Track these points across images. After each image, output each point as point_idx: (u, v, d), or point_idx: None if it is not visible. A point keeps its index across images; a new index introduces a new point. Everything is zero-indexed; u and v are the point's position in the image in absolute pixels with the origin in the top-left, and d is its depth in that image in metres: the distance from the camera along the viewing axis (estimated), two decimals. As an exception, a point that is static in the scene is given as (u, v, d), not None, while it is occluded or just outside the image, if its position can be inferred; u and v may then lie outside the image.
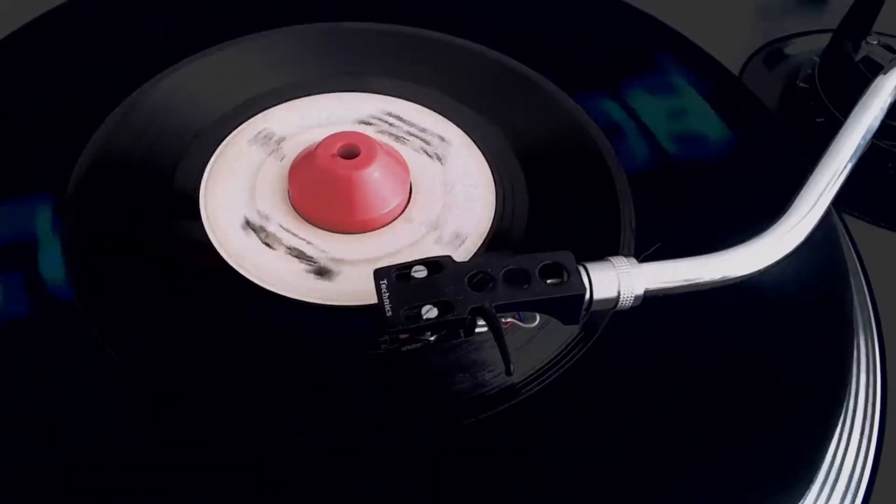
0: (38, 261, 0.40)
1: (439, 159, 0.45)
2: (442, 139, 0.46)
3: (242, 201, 0.42)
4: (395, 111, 0.47)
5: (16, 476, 0.33)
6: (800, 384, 0.39)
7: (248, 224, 0.41)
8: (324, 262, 0.40)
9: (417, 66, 0.49)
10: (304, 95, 0.47)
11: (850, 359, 0.41)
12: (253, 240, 0.41)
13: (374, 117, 0.46)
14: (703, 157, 0.47)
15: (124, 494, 0.33)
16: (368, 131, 0.45)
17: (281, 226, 0.41)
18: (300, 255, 0.40)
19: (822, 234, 0.42)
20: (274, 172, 0.43)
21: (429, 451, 0.35)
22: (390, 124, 0.46)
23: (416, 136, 0.46)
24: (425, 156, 0.45)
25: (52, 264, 0.40)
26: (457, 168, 0.44)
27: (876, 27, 0.52)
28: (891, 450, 0.41)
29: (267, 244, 0.41)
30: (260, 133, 0.45)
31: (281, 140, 0.45)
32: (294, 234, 0.41)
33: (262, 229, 0.41)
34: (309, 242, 0.41)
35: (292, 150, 0.44)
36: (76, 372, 0.36)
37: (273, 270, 0.39)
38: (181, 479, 0.34)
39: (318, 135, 0.43)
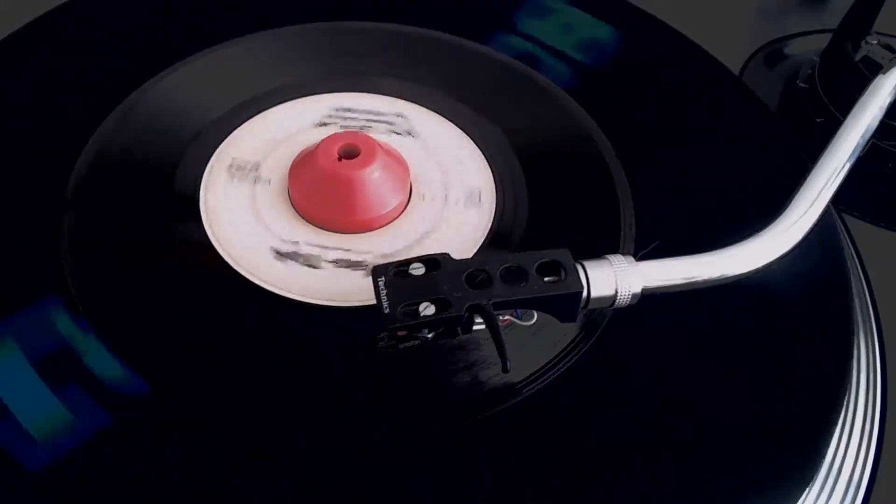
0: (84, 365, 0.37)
1: (439, 159, 0.45)
2: (442, 139, 0.46)
3: (242, 201, 0.42)
4: (395, 111, 0.47)
5: (16, 476, 0.34)
6: (800, 384, 0.39)
7: (248, 224, 0.41)
8: (323, 261, 0.40)
9: (418, 65, 0.49)
10: (304, 95, 0.47)
11: (850, 359, 0.40)
12: (253, 239, 0.41)
13: (375, 117, 0.46)
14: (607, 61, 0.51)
15: (125, 494, 0.33)
16: (370, 131, 0.45)
17: (281, 226, 0.41)
18: (300, 255, 0.40)
19: (822, 234, 0.42)
20: (274, 172, 0.43)
21: (428, 451, 0.35)
22: (391, 123, 0.46)
23: (416, 136, 0.46)
24: (425, 155, 0.45)
25: (101, 362, 0.37)
26: (456, 168, 0.44)
27: (876, 27, 0.52)
28: (891, 450, 0.41)
29: (266, 244, 0.41)
30: (259, 132, 0.45)
31: (281, 140, 0.45)
32: (294, 234, 0.41)
33: (262, 229, 0.41)
34: (309, 242, 0.41)
35: (292, 150, 0.44)
36: (76, 372, 0.36)
37: (273, 270, 0.39)
38: (182, 479, 0.34)
39: (319, 135, 0.43)
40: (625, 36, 0.53)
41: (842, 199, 0.42)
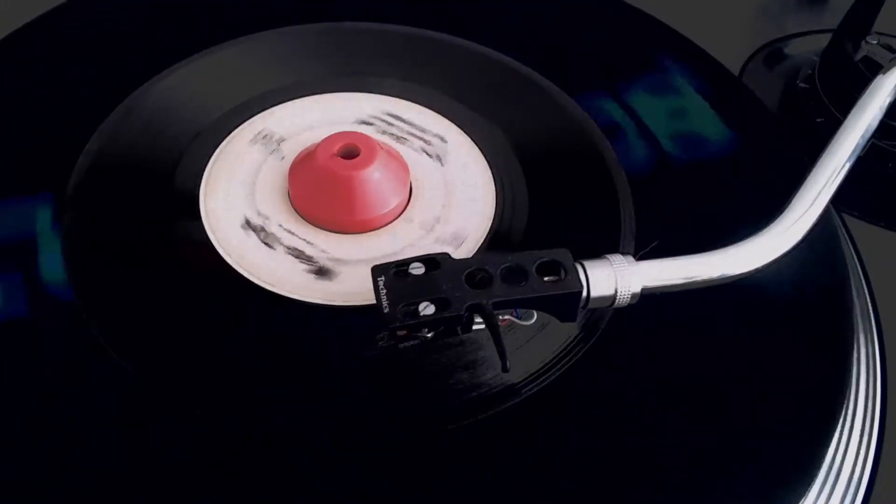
0: (38, 261, 0.40)
1: (439, 159, 0.45)
2: (442, 139, 0.46)
3: (242, 201, 0.42)
4: (395, 111, 0.47)
5: (16, 476, 0.34)
6: (800, 384, 0.39)
7: (248, 224, 0.41)
8: (324, 261, 0.40)
9: (417, 66, 0.49)
10: (304, 95, 0.47)
11: (850, 359, 0.40)
12: (253, 240, 0.41)
13: (374, 117, 0.47)
14: (703, 158, 0.47)
15: (125, 493, 0.33)
16: (369, 131, 0.45)
17: (281, 226, 0.41)
18: (300, 255, 0.40)
19: (822, 234, 0.42)
20: (274, 172, 0.43)
21: (428, 452, 0.35)
22: (390, 124, 0.46)
23: (416, 137, 0.46)
24: (425, 156, 0.45)
25: (51, 265, 0.40)
26: (457, 168, 0.45)
27: (876, 27, 0.52)
28: (891, 450, 0.41)
29: (267, 244, 0.41)
30: (260, 133, 0.45)
31: (281, 140, 0.45)
32: (294, 234, 0.41)
33: (262, 229, 0.41)
34: (309, 242, 0.41)
35: (292, 150, 0.44)
36: (76, 372, 0.36)
37: (273, 270, 0.40)
38: (181, 479, 0.34)
39: (318, 135, 0.43)
40: (738, 138, 0.48)
41: (842, 199, 0.42)
